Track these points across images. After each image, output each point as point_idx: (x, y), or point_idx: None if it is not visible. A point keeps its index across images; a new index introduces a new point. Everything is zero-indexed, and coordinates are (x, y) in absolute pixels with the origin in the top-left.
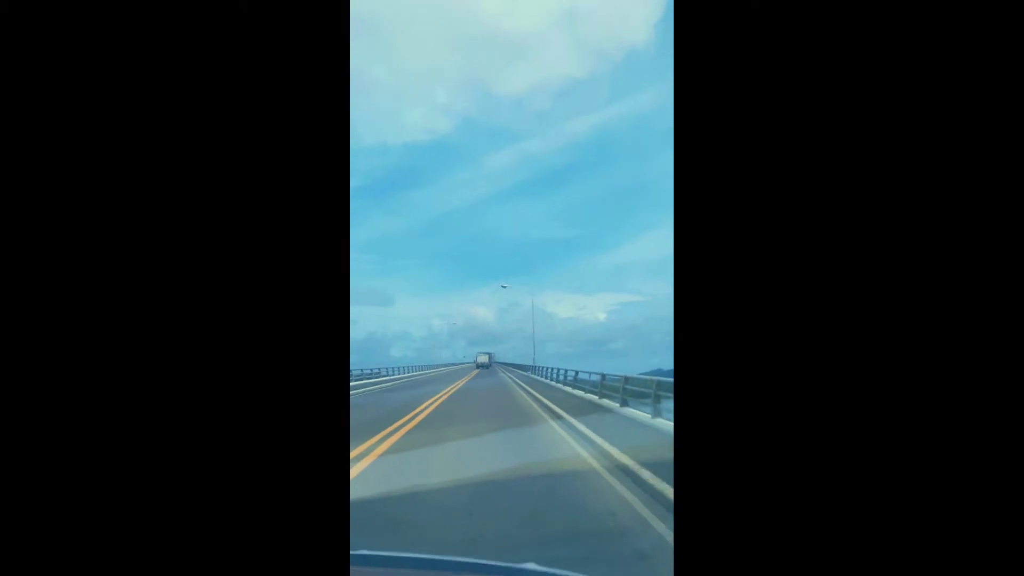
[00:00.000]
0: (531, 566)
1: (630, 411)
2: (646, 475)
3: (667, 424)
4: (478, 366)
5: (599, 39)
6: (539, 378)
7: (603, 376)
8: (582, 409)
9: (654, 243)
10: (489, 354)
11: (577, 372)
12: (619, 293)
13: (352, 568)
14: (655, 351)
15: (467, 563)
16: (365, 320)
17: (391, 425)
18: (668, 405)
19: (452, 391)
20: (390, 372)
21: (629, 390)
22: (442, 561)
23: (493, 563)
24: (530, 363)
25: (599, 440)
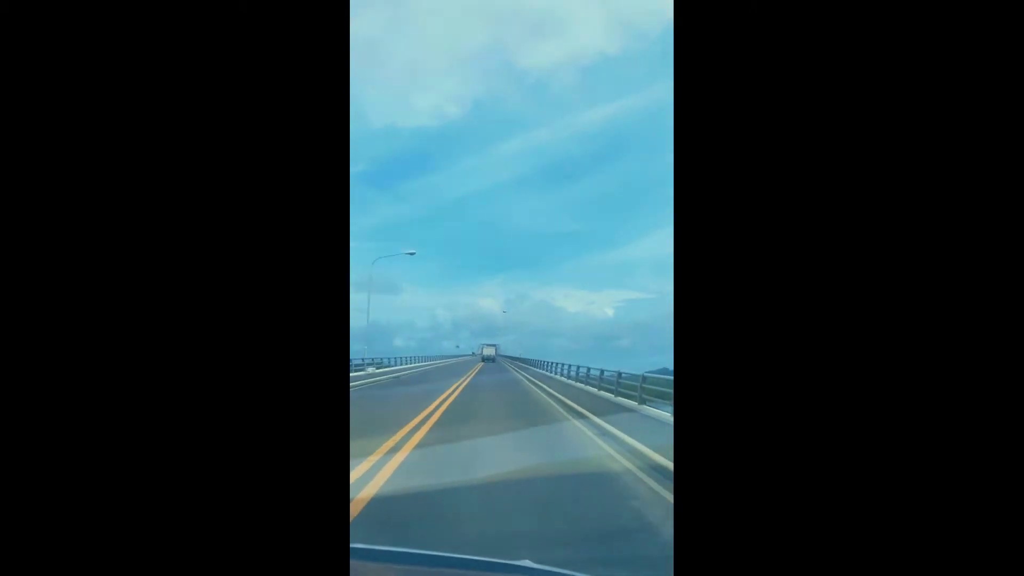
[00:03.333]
0: (527, 563)
1: None
2: None
3: None
4: (484, 359)
5: (634, 13)
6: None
7: None
8: None
9: (663, 240)
10: (495, 346)
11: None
12: (627, 290)
13: (352, 562)
14: (661, 349)
15: (463, 559)
16: (371, 308)
17: None
18: None
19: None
20: (388, 363)
21: None
22: (439, 557)
23: (489, 559)
24: (539, 358)
25: None
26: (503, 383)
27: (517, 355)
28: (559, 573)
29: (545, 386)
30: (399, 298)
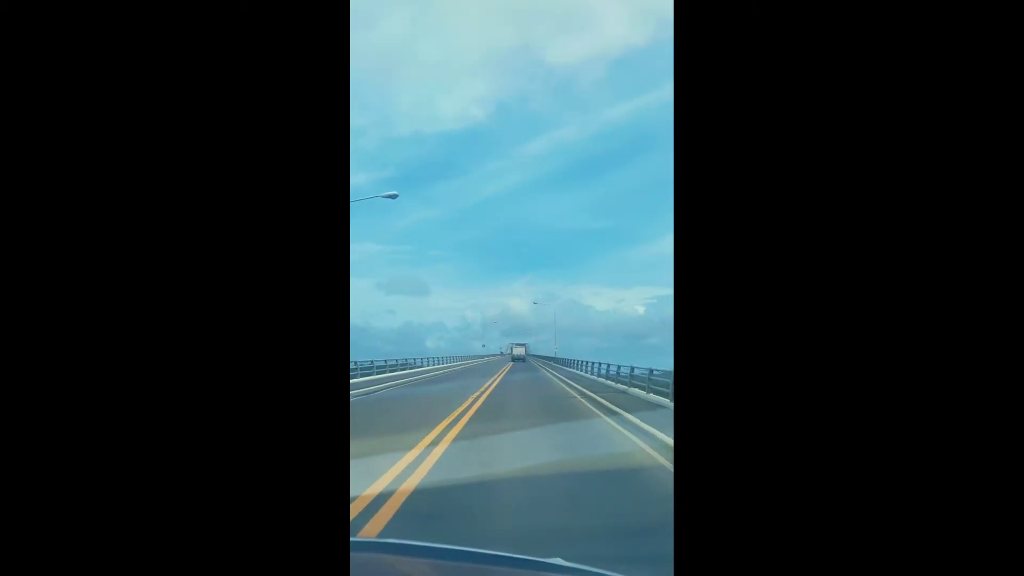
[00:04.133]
0: (557, 561)
1: None
2: None
3: None
4: (513, 359)
5: (662, 1)
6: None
7: None
8: None
9: None
10: (524, 345)
11: None
12: (656, 286)
13: (379, 555)
14: None
15: (494, 555)
16: (401, 310)
17: None
18: None
19: None
20: (412, 363)
21: None
22: (470, 552)
23: (519, 556)
24: (570, 357)
25: None
26: (534, 384)
27: (548, 354)
28: (590, 571)
29: (587, 390)
30: (429, 300)
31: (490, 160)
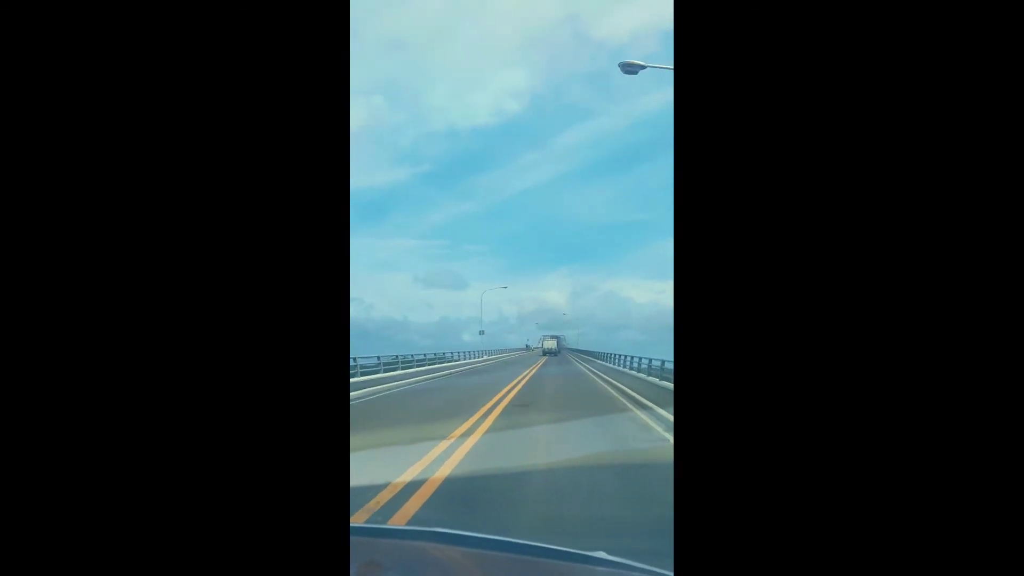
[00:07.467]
0: (601, 554)
1: None
2: None
3: None
4: (545, 352)
5: None
6: None
7: None
8: None
9: None
10: (557, 338)
11: None
12: None
13: (423, 544)
14: None
15: (538, 547)
16: (439, 304)
17: None
18: None
19: None
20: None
21: None
22: (514, 544)
23: (563, 548)
24: (608, 351)
25: None
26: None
27: (584, 348)
28: (635, 566)
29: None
30: (466, 294)
31: (526, 152)
